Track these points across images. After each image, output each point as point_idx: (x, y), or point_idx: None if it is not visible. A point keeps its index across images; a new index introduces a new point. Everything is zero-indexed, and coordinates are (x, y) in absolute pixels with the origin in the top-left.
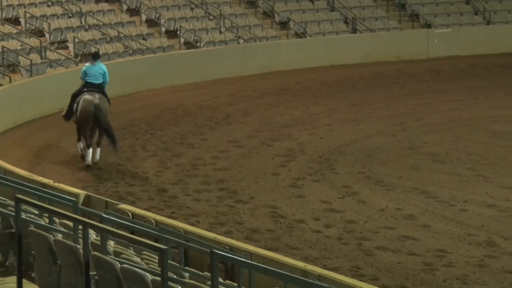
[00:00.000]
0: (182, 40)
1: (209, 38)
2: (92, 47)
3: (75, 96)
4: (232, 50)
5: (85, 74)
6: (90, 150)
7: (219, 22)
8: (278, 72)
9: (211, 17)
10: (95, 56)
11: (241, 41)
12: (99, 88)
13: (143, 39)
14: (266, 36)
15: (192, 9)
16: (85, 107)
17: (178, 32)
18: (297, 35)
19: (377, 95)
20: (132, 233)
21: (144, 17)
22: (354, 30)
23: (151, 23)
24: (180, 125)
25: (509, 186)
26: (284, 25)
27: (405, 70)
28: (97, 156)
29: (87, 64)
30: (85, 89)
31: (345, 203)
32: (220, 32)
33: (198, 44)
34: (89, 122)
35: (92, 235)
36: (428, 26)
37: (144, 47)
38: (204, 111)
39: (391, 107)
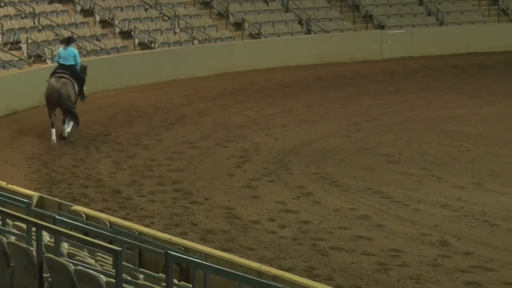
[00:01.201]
0: (136, 41)
1: (164, 39)
2: (45, 48)
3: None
4: (187, 51)
5: (58, 56)
6: (53, 129)
7: (173, 23)
8: (233, 73)
9: (165, 18)
10: (68, 41)
11: (195, 42)
12: (69, 69)
13: (97, 40)
14: (221, 37)
15: (146, 10)
16: (48, 91)
17: (132, 33)
18: (251, 36)
19: (332, 96)
20: (86, 234)
21: (98, 18)
22: (309, 31)
23: (105, 23)
24: (134, 126)
25: (461, 186)
26: (238, 26)
27: (359, 71)
28: (68, 129)
29: (61, 48)
30: (56, 71)
31: (300, 204)
32: (175, 33)
33: (153, 45)
34: (52, 105)
35: (46, 237)
36: (382, 27)
37: (98, 48)
38: (158, 112)
39: (346, 108)
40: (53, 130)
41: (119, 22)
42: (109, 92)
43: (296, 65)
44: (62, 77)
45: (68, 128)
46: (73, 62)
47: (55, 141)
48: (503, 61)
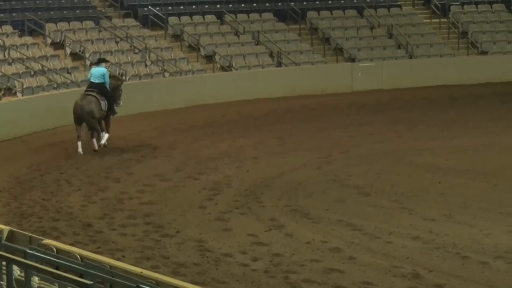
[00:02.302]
0: None
1: (135, 72)
2: (15, 81)
3: None
4: (158, 84)
5: (90, 75)
6: (79, 142)
7: (144, 56)
8: (204, 106)
9: (136, 51)
10: (99, 61)
11: (166, 74)
12: (98, 87)
13: (68, 72)
14: (192, 70)
15: (117, 42)
16: (73, 107)
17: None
18: (222, 68)
19: (303, 128)
20: (57, 268)
21: (68, 51)
22: (279, 64)
23: (75, 56)
24: (105, 159)
25: (433, 218)
26: (209, 58)
27: (330, 103)
28: (99, 142)
29: (93, 67)
30: (86, 89)
31: (271, 236)
32: (146, 66)
33: (124, 77)
34: (76, 120)
35: (16, 271)
36: (352, 60)
37: (69, 81)
38: (129, 144)
39: (317, 140)
40: (79, 143)
41: (89, 55)
42: None
43: (267, 97)
44: (88, 94)
45: (99, 141)
46: (102, 80)
47: (82, 153)
48: (472, 94)
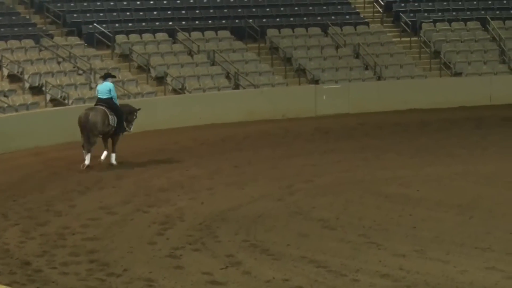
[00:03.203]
0: (48, 97)
1: (78, 95)
2: None
3: None
4: None
5: (97, 91)
6: (88, 155)
7: (89, 77)
8: (155, 131)
9: (80, 72)
10: (105, 76)
11: None
12: (106, 102)
13: (5, 96)
14: (141, 92)
15: (59, 63)
16: (78, 118)
17: (43, 88)
18: (175, 91)
19: (263, 156)
20: None
21: (6, 72)
22: (237, 86)
23: (13, 78)
24: (46, 190)
25: (403, 254)
26: (160, 80)
27: (292, 129)
28: (112, 160)
29: (99, 82)
30: (95, 104)
31: (228, 275)
32: (91, 88)
33: (66, 101)
34: (82, 132)
35: None
36: (316, 81)
37: (6, 105)
38: (73, 174)
39: (278, 169)
40: (87, 156)
41: (29, 77)
42: (18, 153)
43: (223, 122)
44: (97, 106)
45: (103, 156)
46: (109, 95)
47: (85, 166)
48: (445, 119)
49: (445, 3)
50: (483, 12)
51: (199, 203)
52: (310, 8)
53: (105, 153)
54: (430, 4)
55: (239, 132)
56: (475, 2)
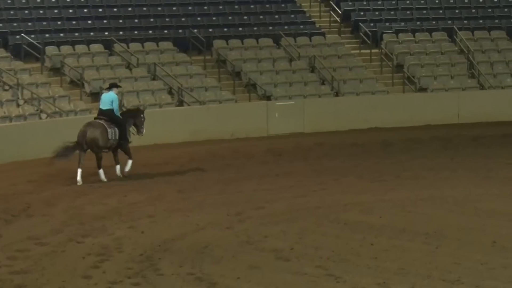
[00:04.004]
0: None
1: (4, 113)
2: None
3: None
4: (33, 127)
5: (100, 101)
6: (79, 170)
7: (16, 93)
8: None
9: (6, 87)
10: (110, 86)
11: (43, 115)
12: (106, 114)
13: None
14: (75, 110)
15: None
16: (77, 135)
17: None
18: None
19: (209, 180)
20: None
21: None
22: (181, 103)
23: None
24: None
25: (364, 287)
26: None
27: (241, 150)
28: (125, 168)
29: (104, 92)
30: (96, 116)
31: None
32: (18, 105)
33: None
34: (77, 145)
35: None
36: (267, 97)
37: None
38: None
39: (226, 194)
40: (79, 171)
41: None
42: None
43: (166, 142)
44: (95, 120)
45: (126, 167)
46: (110, 107)
47: (80, 183)
48: (409, 138)
49: (408, 12)
50: (450, 22)
51: (139, 232)
52: (261, 17)
53: (117, 167)
54: (392, 13)
55: (184, 153)
56: (441, 11)
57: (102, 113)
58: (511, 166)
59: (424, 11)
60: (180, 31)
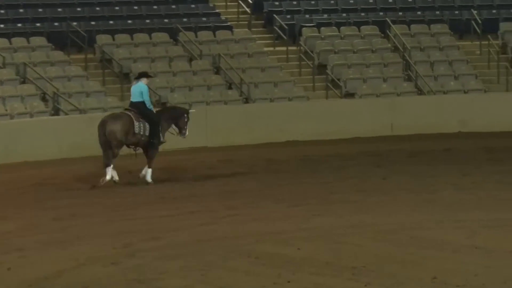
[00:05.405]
0: None
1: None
2: None
3: None
4: None
5: (131, 93)
6: (107, 168)
7: None
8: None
9: None
10: (139, 76)
11: None
12: (136, 107)
13: None
14: None
15: None
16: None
17: None
18: None
19: (93, 204)
20: None
21: None
22: (57, 111)
23: None
24: None
25: None
26: None
27: (133, 168)
28: (147, 177)
29: (133, 83)
30: (126, 107)
31: None
32: None
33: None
34: (99, 142)
35: None
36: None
37: None
38: None
39: (113, 222)
40: (107, 169)
41: None
42: None
43: (37, 160)
44: (124, 111)
45: (145, 173)
46: (140, 99)
47: (103, 182)
48: (335, 154)
49: (332, 2)
50: (381, 13)
51: (5, 269)
52: (155, 7)
53: (146, 167)
54: (313, 2)
55: (61, 172)
56: (371, 1)
57: (132, 106)
58: (455, 186)
59: (351, 1)
60: (56, 24)
